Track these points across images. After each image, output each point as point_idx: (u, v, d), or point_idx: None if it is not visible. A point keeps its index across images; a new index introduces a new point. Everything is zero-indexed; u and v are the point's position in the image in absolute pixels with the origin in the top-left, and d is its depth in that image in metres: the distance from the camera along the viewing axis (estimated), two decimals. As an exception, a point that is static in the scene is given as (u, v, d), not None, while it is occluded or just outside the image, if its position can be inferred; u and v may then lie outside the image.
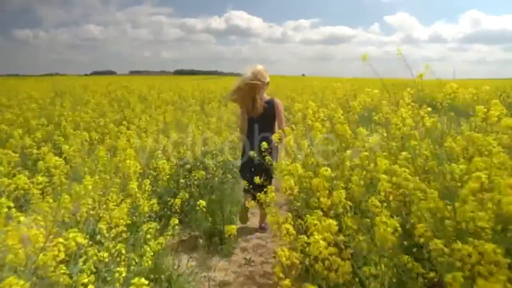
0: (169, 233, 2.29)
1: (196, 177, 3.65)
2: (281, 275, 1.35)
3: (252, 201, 2.41)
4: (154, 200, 2.47)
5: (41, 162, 2.77)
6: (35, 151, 3.93)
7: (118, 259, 1.81)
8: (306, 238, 1.47)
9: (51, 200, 1.98)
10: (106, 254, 1.72)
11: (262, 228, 3.67)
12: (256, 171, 2.93)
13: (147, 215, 2.51)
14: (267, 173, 2.99)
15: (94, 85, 11.06)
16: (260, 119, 3.30)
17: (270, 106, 3.30)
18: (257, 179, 2.71)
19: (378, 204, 1.57)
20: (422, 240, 1.39)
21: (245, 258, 3.16)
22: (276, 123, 3.35)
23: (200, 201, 2.52)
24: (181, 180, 3.56)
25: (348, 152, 2.51)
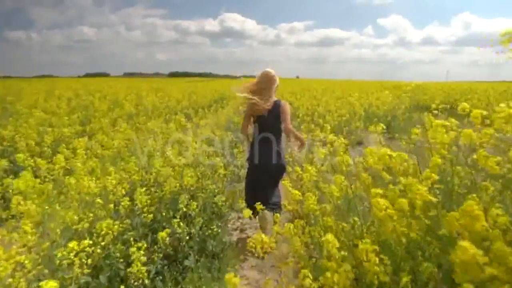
0: None
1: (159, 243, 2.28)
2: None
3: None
4: None
5: None
6: None
7: None
8: None
9: None
10: None
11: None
12: (270, 175, 3.12)
13: None
14: (280, 175, 3.23)
15: (64, 89, 9.55)
16: (268, 120, 3.26)
17: (277, 107, 3.26)
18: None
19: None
20: None
21: None
22: (283, 123, 3.28)
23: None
24: (134, 255, 2.09)
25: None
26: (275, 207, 3.29)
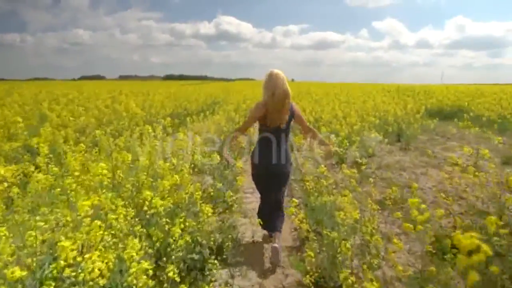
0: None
1: None
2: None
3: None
4: None
5: None
6: None
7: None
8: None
9: None
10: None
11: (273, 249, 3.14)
12: (274, 179, 3.09)
13: None
14: (286, 179, 3.18)
15: (26, 91, 8.19)
16: (277, 127, 3.07)
17: (291, 110, 3.09)
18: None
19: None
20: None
21: None
22: (301, 125, 3.30)
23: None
24: None
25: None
26: (278, 229, 3.26)
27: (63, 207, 1.71)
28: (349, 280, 1.84)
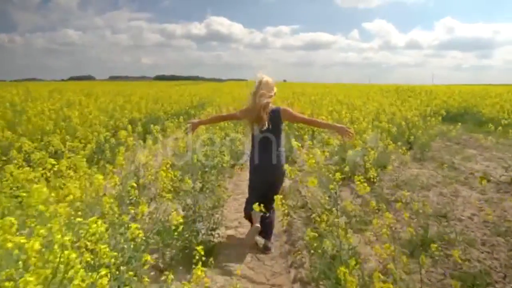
0: None
1: None
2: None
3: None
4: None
5: None
6: None
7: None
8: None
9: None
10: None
11: (266, 249, 3.24)
12: (269, 181, 3.17)
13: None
14: (280, 181, 3.28)
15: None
16: (267, 131, 3.16)
17: (276, 115, 3.15)
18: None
19: None
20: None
21: None
22: (302, 122, 3.60)
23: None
24: None
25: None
26: (267, 234, 3.26)
27: None
28: None
